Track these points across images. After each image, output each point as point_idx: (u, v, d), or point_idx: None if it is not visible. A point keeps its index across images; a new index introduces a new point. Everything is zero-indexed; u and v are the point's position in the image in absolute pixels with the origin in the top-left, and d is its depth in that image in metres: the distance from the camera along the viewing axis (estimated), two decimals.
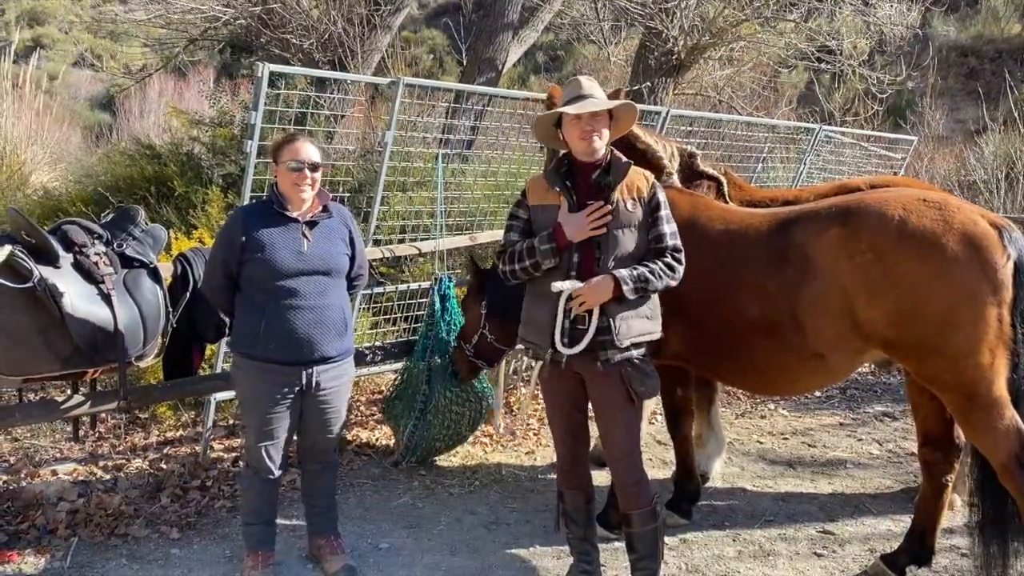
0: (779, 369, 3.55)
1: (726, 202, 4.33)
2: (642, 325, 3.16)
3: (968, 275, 3.10)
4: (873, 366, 6.22)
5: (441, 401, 4.56)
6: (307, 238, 3.39)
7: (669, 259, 3.14)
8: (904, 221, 3.20)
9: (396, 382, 4.92)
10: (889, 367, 5.89)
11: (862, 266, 3.23)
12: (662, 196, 3.22)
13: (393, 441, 5.20)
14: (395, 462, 4.89)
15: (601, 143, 3.19)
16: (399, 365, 5.40)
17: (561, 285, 3.07)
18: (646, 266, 3.10)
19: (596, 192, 3.18)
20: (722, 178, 4.44)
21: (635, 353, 3.16)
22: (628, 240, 3.13)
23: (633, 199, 3.16)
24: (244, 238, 3.32)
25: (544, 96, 4.26)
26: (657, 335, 3.24)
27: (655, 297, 3.22)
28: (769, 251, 3.47)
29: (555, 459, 3.69)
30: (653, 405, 5.21)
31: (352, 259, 3.57)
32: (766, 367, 3.57)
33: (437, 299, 4.69)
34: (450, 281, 4.79)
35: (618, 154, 3.27)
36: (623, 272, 3.06)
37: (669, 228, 3.19)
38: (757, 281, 3.47)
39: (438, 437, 4.68)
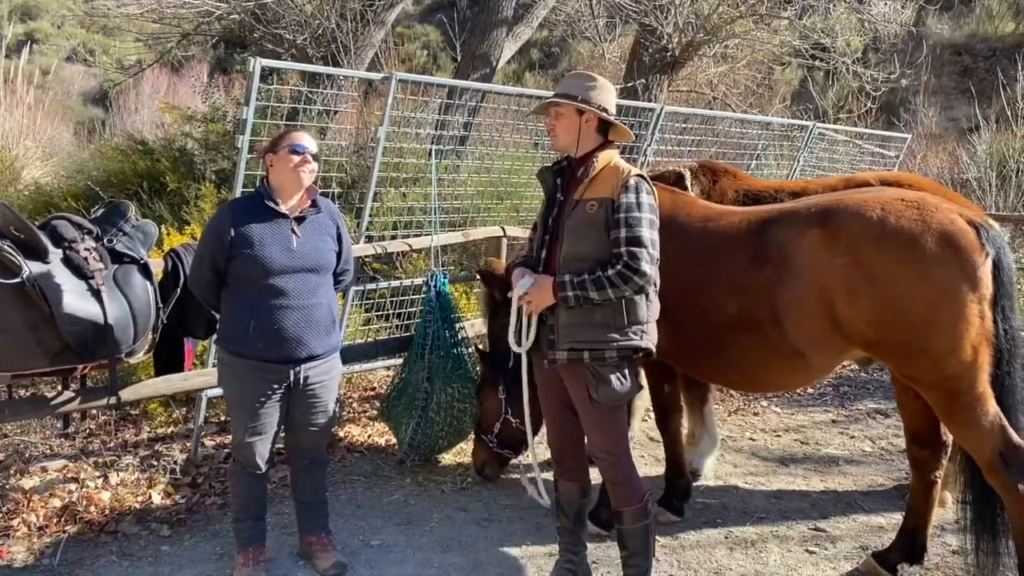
0: (759, 366, 3.56)
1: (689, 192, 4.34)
2: (590, 333, 3.08)
3: (948, 274, 3.13)
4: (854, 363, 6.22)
5: (443, 398, 4.52)
6: (296, 234, 3.38)
7: (620, 266, 3.00)
8: (883, 222, 3.22)
9: (394, 382, 4.86)
10: (869, 364, 5.91)
11: (842, 267, 3.25)
12: (629, 198, 3.06)
13: (389, 440, 5.18)
14: (400, 460, 4.85)
15: (561, 138, 3.23)
16: (393, 362, 5.39)
17: (518, 286, 3.20)
18: (594, 274, 3.03)
19: (576, 188, 3.19)
20: (683, 171, 4.45)
21: (586, 356, 3.10)
22: (583, 240, 3.10)
23: (598, 199, 3.10)
24: (232, 234, 3.30)
25: (539, 92, 4.24)
26: (622, 343, 3.09)
27: (632, 307, 3.09)
28: (748, 249, 3.48)
29: (548, 456, 3.69)
30: (646, 403, 5.21)
31: (339, 255, 3.56)
32: (745, 364, 3.58)
33: (433, 295, 4.66)
34: (444, 277, 4.76)
35: (606, 154, 3.21)
36: (565, 279, 3.06)
37: (627, 232, 3.03)
38: (736, 279, 3.48)
39: (441, 434, 4.65)
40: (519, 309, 3.23)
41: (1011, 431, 3.20)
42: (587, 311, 3.08)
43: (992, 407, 3.20)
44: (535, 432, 3.74)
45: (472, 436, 4.77)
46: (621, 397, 3.15)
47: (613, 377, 3.11)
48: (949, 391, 3.20)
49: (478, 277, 4.62)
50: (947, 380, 3.18)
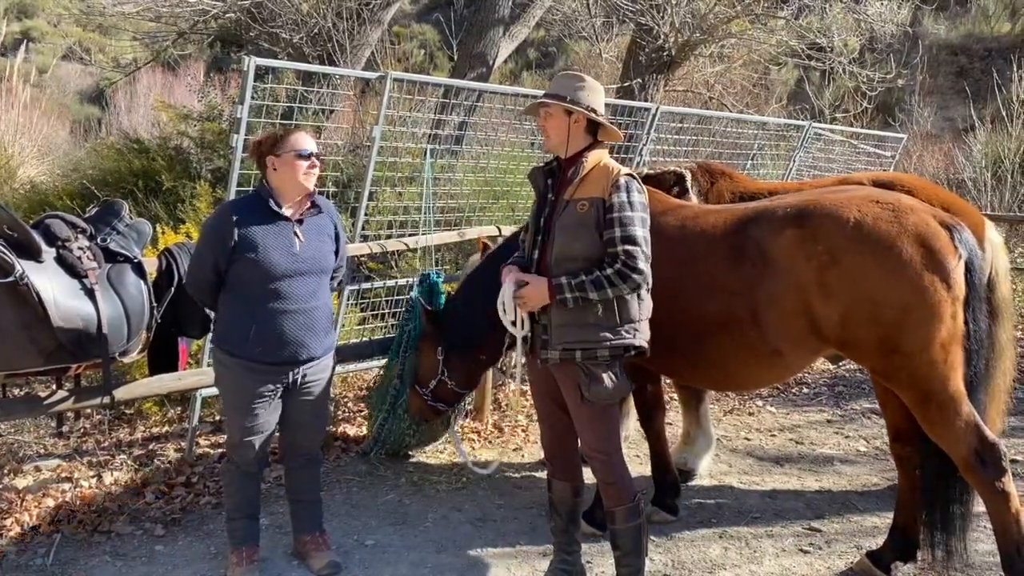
0: (739, 364, 3.57)
1: (687, 196, 4.36)
2: (583, 333, 3.08)
3: (923, 276, 3.16)
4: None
5: None
6: (299, 237, 3.36)
7: (619, 265, 3.01)
8: (860, 224, 3.24)
9: (378, 375, 4.90)
10: (839, 361, 5.94)
11: (818, 268, 3.27)
12: (620, 197, 3.06)
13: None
14: (364, 452, 4.90)
15: (553, 138, 3.21)
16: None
17: (506, 278, 3.21)
18: (592, 273, 3.03)
19: (566, 188, 3.18)
20: (684, 172, 4.47)
21: (578, 356, 3.10)
22: (575, 240, 3.09)
23: (589, 199, 3.10)
24: (236, 237, 3.26)
25: (536, 92, 4.26)
26: (615, 342, 3.10)
27: (624, 306, 3.10)
28: (727, 248, 3.49)
29: (543, 455, 3.69)
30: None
31: (336, 254, 3.55)
32: (722, 362, 3.59)
33: (416, 296, 4.66)
34: (438, 277, 4.75)
35: (596, 154, 3.20)
36: (562, 280, 3.05)
37: (621, 232, 3.03)
38: (715, 278, 3.49)
39: (409, 432, 4.66)
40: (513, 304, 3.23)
41: (986, 429, 3.24)
42: (580, 311, 3.08)
43: (966, 406, 3.23)
44: (462, 397, 4.38)
45: (445, 437, 4.95)
46: (613, 395, 3.16)
47: (605, 376, 3.11)
48: (923, 390, 3.24)
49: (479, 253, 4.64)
50: (921, 379, 3.22)
